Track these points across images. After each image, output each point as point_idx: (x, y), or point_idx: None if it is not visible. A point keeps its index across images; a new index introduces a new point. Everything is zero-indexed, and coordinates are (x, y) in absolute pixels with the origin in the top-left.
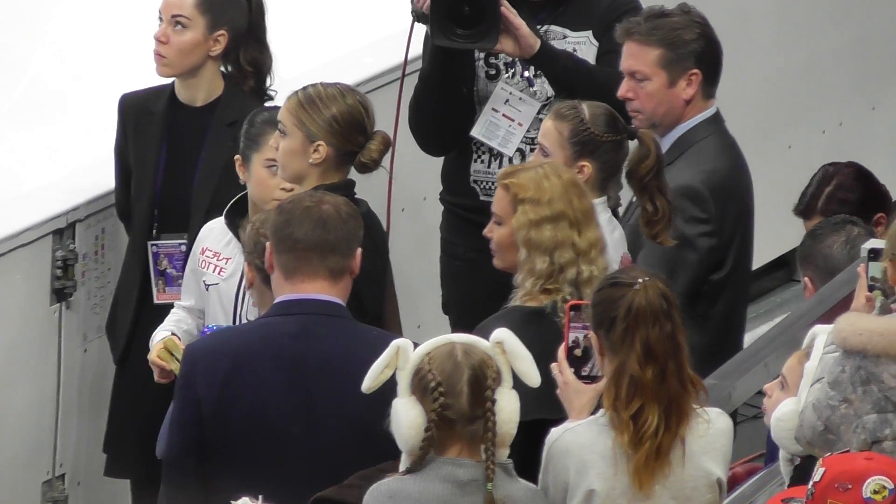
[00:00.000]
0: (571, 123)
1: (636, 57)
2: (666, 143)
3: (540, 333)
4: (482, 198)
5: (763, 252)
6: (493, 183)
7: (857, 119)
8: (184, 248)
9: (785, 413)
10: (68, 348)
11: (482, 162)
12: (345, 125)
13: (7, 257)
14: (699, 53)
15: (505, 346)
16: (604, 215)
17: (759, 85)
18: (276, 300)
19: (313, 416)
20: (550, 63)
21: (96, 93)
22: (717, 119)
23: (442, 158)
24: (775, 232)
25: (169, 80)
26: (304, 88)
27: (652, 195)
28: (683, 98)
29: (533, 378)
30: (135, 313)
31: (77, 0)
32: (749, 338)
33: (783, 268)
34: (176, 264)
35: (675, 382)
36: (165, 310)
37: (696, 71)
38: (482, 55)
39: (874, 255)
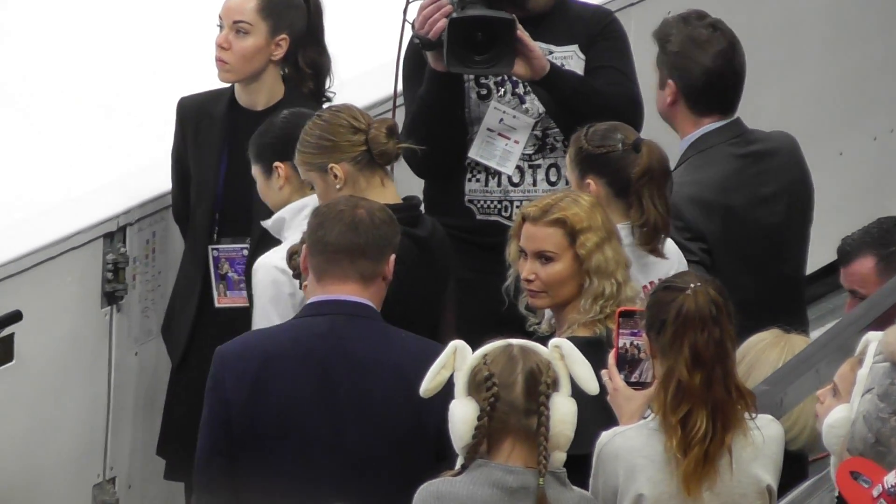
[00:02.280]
0: (574, 146)
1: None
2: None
3: (600, 363)
4: (479, 217)
5: (814, 258)
6: (493, 202)
7: None
8: (245, 252)
9: (837, 420)
10: (119, 351)
11: (478, 181)
12: (329, 141)
13: (58, 260)
14: (673, 67)
15: (563, 350)
16: (628, 239)
17: (810, 91)
18: (308, 301)
19: (340, 415)
20: (560, 84)
21: (148, 95)
22: (730, 128)
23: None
24: (826, 238)
25: (229, 85)
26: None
27: (641, 200)
28: (666, 103)
29: (591, 385)
30: (194, 317)
31: (129, 5)
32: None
33: (834, 273)
34: (237, 268)
35: (721, 389)
36: (225, 314)
37: (670, 82)
38: (470, 77)
39: None
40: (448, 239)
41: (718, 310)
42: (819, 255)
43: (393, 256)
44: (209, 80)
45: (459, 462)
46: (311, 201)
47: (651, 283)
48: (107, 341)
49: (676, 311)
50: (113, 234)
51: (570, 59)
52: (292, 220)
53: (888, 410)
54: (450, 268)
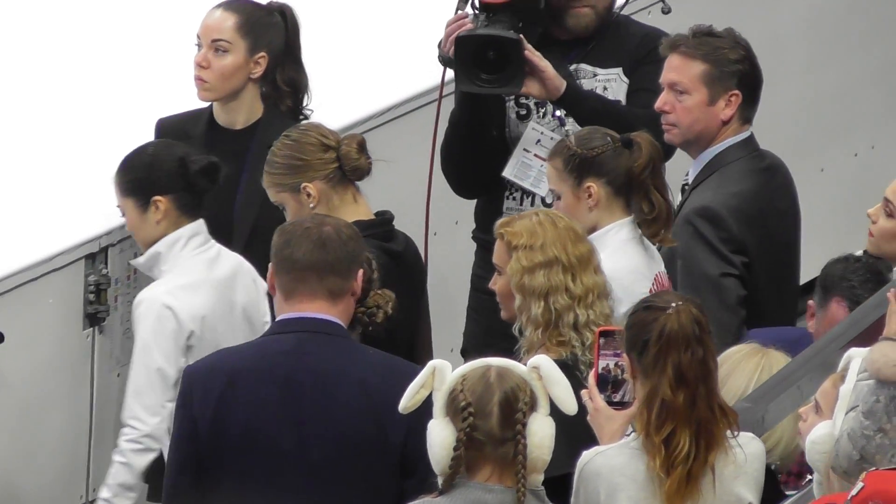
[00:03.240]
0: (561, 155)
1: (679, 70)
2: (697, 165)
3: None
4: None
5: None
6: None
7: (890, 142)
8: None
9: (819, 436)
10: (101, 373)
11: (514, 199)
12: (300, 161)
13: (40, 282)
14: (742, 75)
15: (541, 370)
16: (637, 232)
17: (791, 108)
18: (276, 319)
19: (304, 431)
20: (578, 104)
21: (129, 116)
22: (749, 143)
23: None
24: (808, 254)
25: (208, 104)
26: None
27: (648, 194)
28: (721, 118)
29: (569, 405)
30: None
31: (106, 25)
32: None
33: (811, 291)
34: None
35: (704, 408)
36: None
37: (736, 92)
38: (512, 97)
39: None
40: (419, 255)
41: (701, 328)
42: (801, 271)
43: (361, 272)
44: (190, 99)
45: (440, 481)
46: (186, 232)
47: (658, 275)
48: (89, 362)
49: (659, 330)
50: (95, 256)
51: (613, 81)
52: (168, 252)
53: (873, 428)
54: (423, 281)
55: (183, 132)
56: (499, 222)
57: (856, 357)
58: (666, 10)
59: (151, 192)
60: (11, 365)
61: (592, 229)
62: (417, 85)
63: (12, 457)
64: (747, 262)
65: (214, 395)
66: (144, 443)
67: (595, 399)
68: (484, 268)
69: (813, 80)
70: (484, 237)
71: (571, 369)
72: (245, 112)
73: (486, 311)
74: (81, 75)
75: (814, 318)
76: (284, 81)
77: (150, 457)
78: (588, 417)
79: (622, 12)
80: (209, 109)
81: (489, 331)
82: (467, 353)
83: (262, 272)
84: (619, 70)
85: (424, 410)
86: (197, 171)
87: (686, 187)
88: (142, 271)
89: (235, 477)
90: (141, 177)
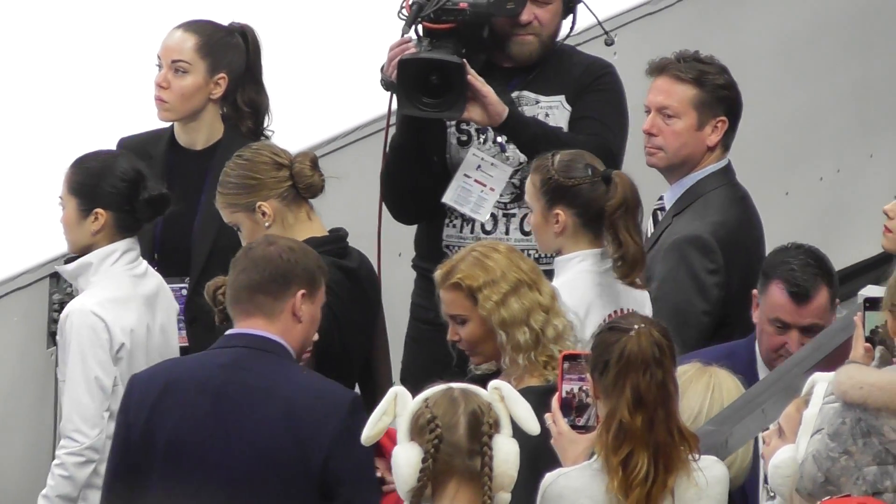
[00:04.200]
0: (541, 174)
1: (668, 93)
2: (676, 192)
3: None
4: None
5: None
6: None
7: (855, 166)
8: (185, 291)
9: (782, 460)
10: None
11: (454, 227)
12: (254, 180)
13: (4, 300)
14: (729, 102)
15: (503, 391)
16: (601, 265)
17: (757, 132)
18: (224, 334)
19: (229, 444)
20: (519, 130)
21: (90, 135)
22: (728, 171)
23: None
24: None
25: (169, 124)
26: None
27: (617, 233)
28: (707, 144)
29: (531, 425)
30: None
31: (68, 43)
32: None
33: None
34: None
35: (663, 431)
36: None
37: (723, 118)
38: (452, 122)
39: (870, 304)
40: (374, 274)
41: (662, 352)
42: None
43: (301, 293)
44: (150, 119)
45: None
46: (120, 247)
47: (616, 311)
48: (53, 381)
49: (619, 352)
50: (59, 274)
51: (556, 108)
52: (100, 265)
53: (838, 450)
54: (378, 298)
55: (144, 152)
56: (440, 273)
57: (820, 381)
58: (609, 42)
59: (95, 203)
60: None
61: (558, 252)
62: (377, 108)
63: None
64: (726, 296)
65: (149, 402)
66: (86, 455)
67: (558, 422)
68: (424, 297)
69: (778, 105)
70: (424, 266)
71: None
72: (205, 132)
73: (426, 342)
74: (45, 94)
75: (758, 308)
76: (245, 102)
77: (91, 468)
78: (552, 441)
79: (567, 41)
80: (170, 129)
81: (429, 361)
82: (405, 383)
83: None
84: (562, 97)
85: (349, 436)
86: (144, 200)
87: (659, 212)
88: (65, 277)
89: (163, 484)
90: (90, 183)
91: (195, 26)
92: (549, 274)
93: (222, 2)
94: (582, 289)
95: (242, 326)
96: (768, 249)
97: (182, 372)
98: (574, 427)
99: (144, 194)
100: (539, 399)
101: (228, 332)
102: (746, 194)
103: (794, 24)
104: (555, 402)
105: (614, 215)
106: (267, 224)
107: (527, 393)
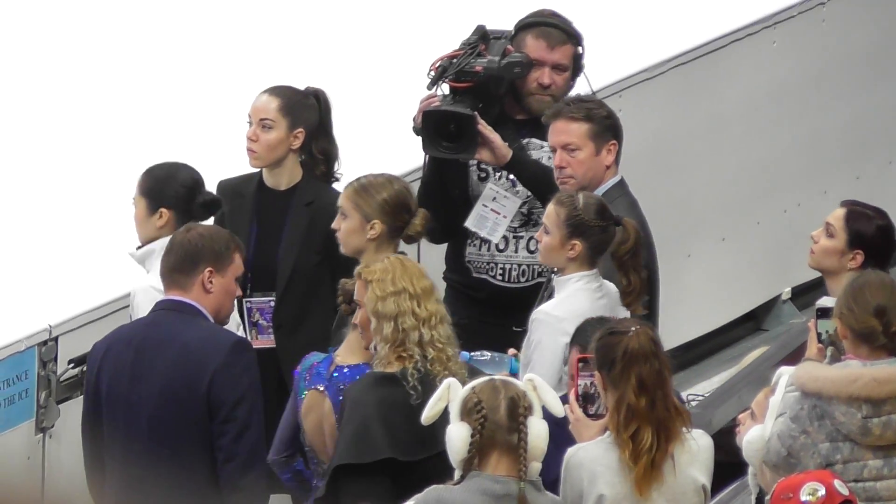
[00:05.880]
0: (567, 209)
1: (567, 132)
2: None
3: (385, 395)
4: (474, 275)
5: (737, 307)
6: (483, 263)
7: (812, 200)
8: (272, 303)
9: (753, 438)
10: (51, 474)
11: (474, 246)
12: (394, 206)
13: None
14: (614, 128)
15: (535, 383)
16: (594, 283)
17: (730, 172)
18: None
19: (145, 387)
20: (521, 169)
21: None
22: (622, 184)
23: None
24: (745, 292)
25: (258, 170)
26: (359, 179)
27: (627, 272)
28: (605, 164)
29: (557, 409)
30: None
31: (175, 108)
32: (725, 376)
33: (751, 320)
34: (266, 317)
35: (662, 409)
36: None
37: (614, 142)
38: (475, 162)
39: (822, 313)
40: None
41: (656, 346)
42: (739, 305)
43: (209, 269)
44: (243, 166)
45: (457, 474)
46: None
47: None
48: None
49: (623, 349)
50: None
51: None
52: (161, 252)
53: (798, 430)
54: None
55: (238, 192)
56: (358, 267)
57: (784, 373)
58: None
59: (161, 203)
60: None
61: (560, 271)
62: (419, 155)
63: None
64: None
65: (96, 361)
66: None
67: (575, 411)
68: (452, 303)
69: (748, 150)
70: (452, 277)
71: (399, 381)
72: (287, 176)
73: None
74: (157, 151)
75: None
76: (319, 151)
77: None
78: (570, 426)
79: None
80: (259, 174)
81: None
82: None
83: (298, 305)
84: None
85: (229, 369)
86: (200, 203)
87: None
88: (134, 260)
89: (108, 425)
90: (157, 188)
91: (278, 90)
92: (539, 287)
93: (301, 69)
94: (580, 302)
95: (167, 295)
96: (733, 264)
97: (120, 334)
98: (588, 415)
99: (200, 198)
100: (375, 381)
101: (157, 300)
102: (636, 201)
103: (761, 85)
104: (571, 395)
105: (625, 257)
106: (367, 237)
107: (368, 374)
